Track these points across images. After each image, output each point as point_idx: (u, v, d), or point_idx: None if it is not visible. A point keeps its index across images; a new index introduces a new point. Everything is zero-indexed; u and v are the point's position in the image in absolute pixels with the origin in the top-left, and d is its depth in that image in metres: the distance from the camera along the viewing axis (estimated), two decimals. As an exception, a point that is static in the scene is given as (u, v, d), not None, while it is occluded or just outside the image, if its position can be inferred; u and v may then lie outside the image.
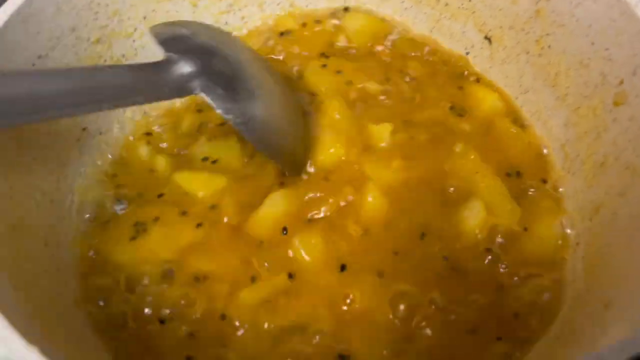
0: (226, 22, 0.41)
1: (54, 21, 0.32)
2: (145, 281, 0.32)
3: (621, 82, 0.29)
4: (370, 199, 0.33)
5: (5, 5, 0.29)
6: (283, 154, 0.36)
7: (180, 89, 0.32)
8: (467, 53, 0.40)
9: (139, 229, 0.33)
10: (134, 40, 0.37)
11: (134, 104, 0.32)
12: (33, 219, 0.30)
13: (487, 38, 0.38)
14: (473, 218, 0.32)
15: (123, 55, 0.37)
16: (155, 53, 0.38)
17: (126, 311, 0.31)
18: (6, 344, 0.22)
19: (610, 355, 0.19)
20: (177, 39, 0.33)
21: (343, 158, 0.35)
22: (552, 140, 0.35)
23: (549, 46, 0.34)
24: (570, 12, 0.32)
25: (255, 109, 0.34)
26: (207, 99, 0.32)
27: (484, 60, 0.39)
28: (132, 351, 0.30)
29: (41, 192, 0.31)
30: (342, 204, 0.33)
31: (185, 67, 0.32)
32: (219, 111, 0.32)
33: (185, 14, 0.39)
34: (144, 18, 0.37)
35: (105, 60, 0.35)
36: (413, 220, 0.33)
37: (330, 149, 0.35)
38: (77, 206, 0.34)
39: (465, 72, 0.39)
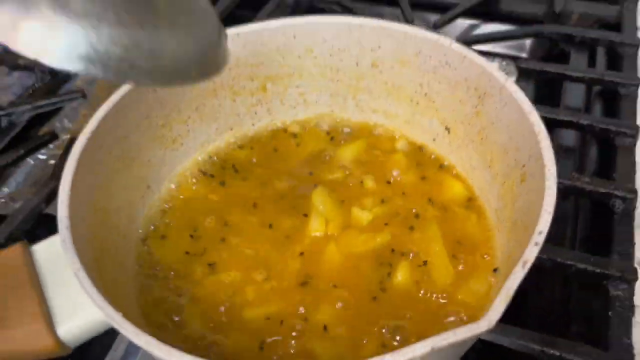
0: (256, 112, 0.56)
1: (137, 110, 0.47)
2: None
3: (524, 166, 0.40)
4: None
5: (106, 103, 0.44)
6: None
7: None
8: (434, 140, 0.52)
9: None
10: (187, 124, 0.52)
11: None
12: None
13: (447, 129, 0.50)
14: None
15: (179, 135, 0.51)
16: (203, 133, 0.53)
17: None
18: (104, 310, 0.33)
19: None
20: None
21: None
22: (490, 209, 0.46)
23: (486, 137, 0.46)
24: (496, 114, 0.44)
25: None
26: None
27: (445, 146, 0.51)
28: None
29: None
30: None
31: None
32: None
33: (227, 107, 0.54)
34: (196, 109, 0.52)
35: (166, 139, 0.50)
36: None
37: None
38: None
39: (432, 156, 0.52)
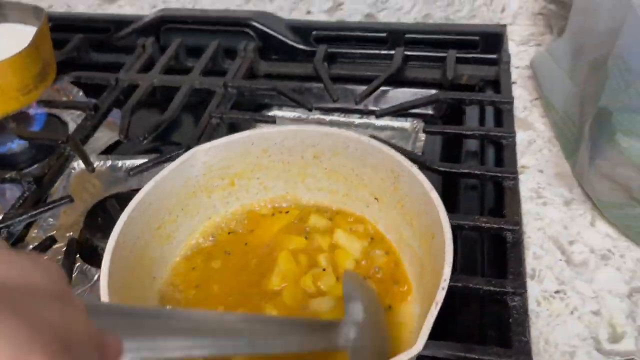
0: (227, 202, 0.70)
1: (140, 218, 0.60)
2: None
3: (433, 236, 0.56)
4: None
5: (121, 217, 0.57)
6: None
7: (338, 345, 0.47)
8: (367, 207, 0.68)
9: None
10: (176, 222, 0.65)
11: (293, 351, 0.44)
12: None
13: (376, 199, 0.67)
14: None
15: (172, 231, 0.65)
16: (188, 227, 0.67)
17: None
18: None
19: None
20: (353, 302, 0.49)
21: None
22: (411, 267, 0.63)
23: (404, 205, 0.62)
24: (408, 189, 0.60)
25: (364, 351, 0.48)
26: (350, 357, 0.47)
27: (376, 211, 0.67)
28: None
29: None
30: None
31: (351, 333, 0.47)
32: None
33: (204, 202, 0.68)
34: (182, 209, 0.66)
35: (162, 237, 0.64)
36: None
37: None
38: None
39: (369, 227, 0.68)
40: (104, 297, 0.49)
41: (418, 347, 0.44)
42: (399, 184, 0.62)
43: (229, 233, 0.68)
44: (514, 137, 0.83)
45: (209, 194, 0.68)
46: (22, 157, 1.00)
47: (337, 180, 0.68)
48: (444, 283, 0.49)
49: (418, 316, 0.58)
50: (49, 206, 0.81)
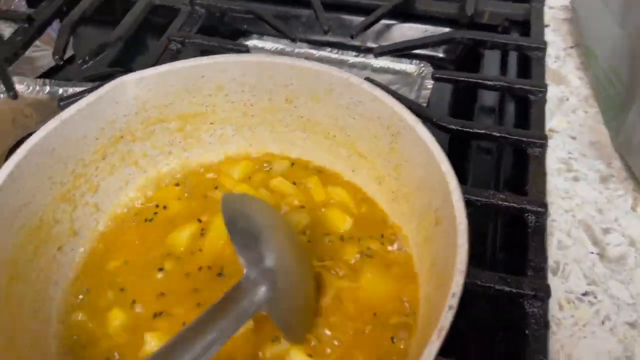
0: (170, 152, 0.54)
1: (35, 175, 0.43)
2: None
3: (436, 210, 0.41)
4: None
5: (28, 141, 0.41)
6: (295, 329, 0.40)
7: (253, 311, 0.37)
8: (353, 171, 0.52)
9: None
10: (96, 176, 0.49)
11: (216, 351, 0.35)
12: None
13: (365, 162, 0.51)
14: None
15: (88, 189, 0.49)
16: (112, 185, 0.50)
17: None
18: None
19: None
20: (243, 229, 0.38)
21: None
22: (411, 242, 0.47)
23: (401, 173, 0.46)
24: (409, 153, 0.44)
25: (292, 302, 0.39)
26: (270, 314, 0.38)
27: (364, 177, 0.51)
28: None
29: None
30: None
31: (262, 291, 0.37)
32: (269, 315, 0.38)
33: (137, 151, 0.51)
34: (103, 159, 0.49)
35: (73, 195, 0.47)
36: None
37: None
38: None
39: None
40: None
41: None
42: (399, 144, 0.45)
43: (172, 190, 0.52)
44: (544, 93, 0.66)
45: (144, 140, 0.51)
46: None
47: (315, 132, 0.52)
48: (452, 300, 0.33)
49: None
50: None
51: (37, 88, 0.77)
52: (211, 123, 0.53)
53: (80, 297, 0.45)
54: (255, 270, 0.38)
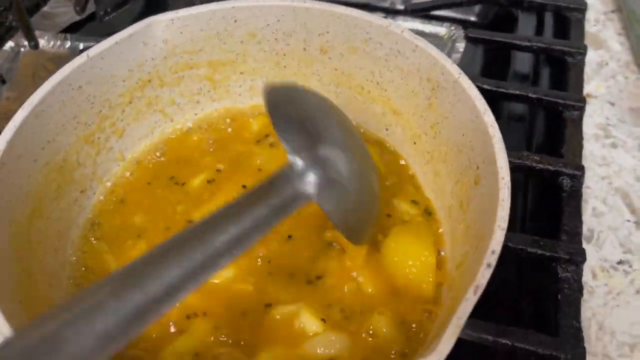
0: (198, 102, 0.52)
1: (61, 111, 0.42)
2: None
3: (477, 167, 0.39)
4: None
5: (22, 108, 0.39)
6: (358, 230, 0.37)
7: (299, 202, 0.33)
8: (387, 129, 0.50)
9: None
10: (121, 120, 0.48)
11: (256, 240, 0.31)
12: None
13: (400, 119, 0.49)
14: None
15: (113, 132, 0.47)
16: (137, 131, 0.49)
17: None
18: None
19: None
20: (289, 117, 0.33)
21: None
22: (443, 206, 0.45)
23: (440, 132, 0.44)
24: (450, 109, 0.42)
25: (349, 195, 0.35)
26: (322, 207, 0.33)
27: (398, 137, 0.49)
28: None
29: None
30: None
31: (310, 179, 0.32)
32: (322, 208, 0.33)
33: (165, 98, 0.50)
34: (130, 103, 0.48)
35: (98, 138, 0.46)
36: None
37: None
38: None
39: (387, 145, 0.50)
40: None
41: (440, 354, 0.28)
42: (438, 99, 0.43)
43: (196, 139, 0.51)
44: (583, 55, 0.63)
45: (172, 86, 0.49)
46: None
47: (349, 87, 0.50)
48: (491, 257, 0.32)
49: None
50: (-26, 84, 0.63)
51: (58, 43, 0.75)
52: (241, 73, 0.51)
53: (99, 240, 0.45)
54: (303, 157, 0.33)
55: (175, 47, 0.47)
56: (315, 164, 0.33)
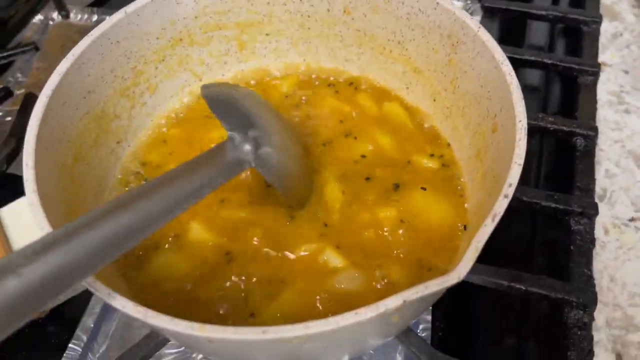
0: (225, 62, 0.54)
1: (100, 64, 0.45)
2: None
3: (495, 115, 0.41)
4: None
5: (66, 59, 0.42)
6: (294, 192, 0.44)
7: (241, 166, 0.40)
8: (407, 88, 0.52)
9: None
10: (155, 77, 0.50)
11: (206, 193, 0.37)
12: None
13: (420, 77, 0.50)
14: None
15: (147, 88, 0.50)
16: (172, 84, 0.51)
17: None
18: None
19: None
20: (225, 106, 0.41)
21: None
22: (463, 157, 0.47)
23: (458, 86, 0.46)
24: (469, 63, 0.44)
25: (277, 158, 0.41)
26: (258, 169, 0.40)
27: (419, 94, 0.51)
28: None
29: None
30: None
31: (245, 147, 0.39)
32: (258, 170, 0.40)
33: (194, 57, 0.52)
34: (162, 60, 0.50)
35: (133, 92, 0.49)
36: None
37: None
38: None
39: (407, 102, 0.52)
40: (28, 172, 0.36)
41: (459, 273, 0.30)
42: (457, 54, 0.45)
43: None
44: (598, 24, 0.65)
45: (201, 46, 0.52)
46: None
47: (371, 48, 0.52)
48: (509, 190, 0.34)
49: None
50: (9, 52, 0.66)
51: (86, 16, 0.78)
52: (267, 34, 0.53)
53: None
54: (239, 133, 0.40)
55: (206, 7, 0.49)
56: (249, 136, 0.40)
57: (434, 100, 0.50)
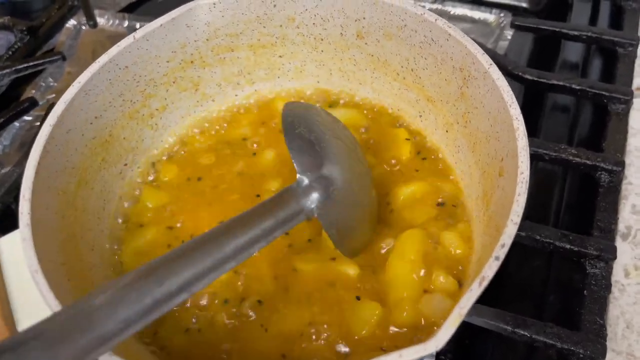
0: (238, 83, 0.54)
1: (108, 90, 0.45)
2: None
3: (502, 159, 0.39)
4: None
5: (72, 86, 0.42)
6: (348, 243, 0.40)
7: (305, 215, 0.36)
8: (420, 116, 0.51)
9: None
10: (165, 99, 0.50)
11: (272, 239, 0.34)
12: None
13: (433, 107, 0.49)
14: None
15: (157, 110, 0.50)
16: (180, 110, 0.51)
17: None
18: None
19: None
20: (302, 141, 0.37)
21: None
22: (472, 194, 0.46)
23: (470, 121, 0.45)
24: (480, 99, 0.42)
25: (339, 212, 0.38)
26: (319, 220, 0.37)
27: (431, 124, 0.50)
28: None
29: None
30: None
31: (313, 197, 0.36)
32: (319, 220, 0.37)
33: (206, 78, 0.52)
34: (173, 82, 0.50)
35: (142, 115, 0.49)
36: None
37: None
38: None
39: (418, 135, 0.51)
40: (24, 205, 0.36)
41: (438, 342, 0.28)
42: (469, 89, 0.43)
43: (236, 121, 0.53)
44: (635, 47, 0.61)
45: (213, 67, 0.51)
46: (35, 5, 0.86)
47: (385, 73, 0.51)
48: (500, 251, 0.32)
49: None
50: (37, 61, 0.68)
51: (117, 22, 0.79)
52: (280, 56, 0.53)
53: (144, 213, 0.48)
54: (310, 176, 0.37)
55: (217, 29, 0.49)
56: (319, 183, 0.37)
57: (447, 131, 0.48)
